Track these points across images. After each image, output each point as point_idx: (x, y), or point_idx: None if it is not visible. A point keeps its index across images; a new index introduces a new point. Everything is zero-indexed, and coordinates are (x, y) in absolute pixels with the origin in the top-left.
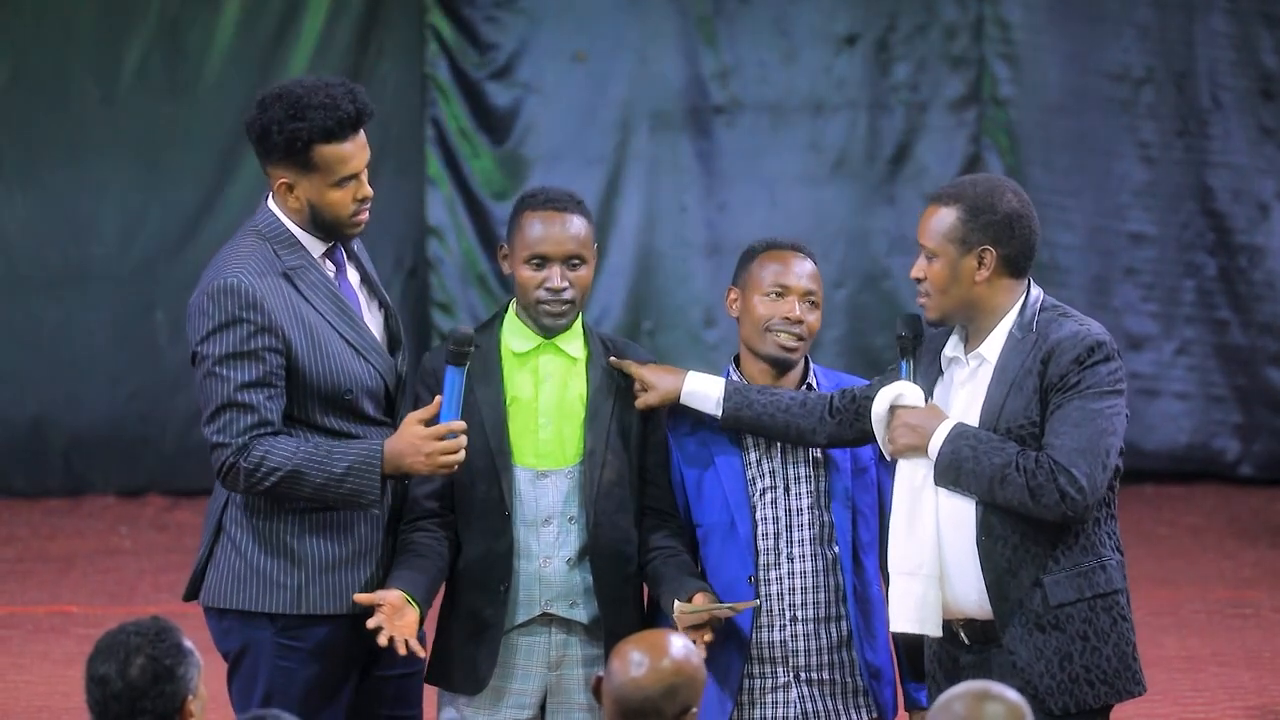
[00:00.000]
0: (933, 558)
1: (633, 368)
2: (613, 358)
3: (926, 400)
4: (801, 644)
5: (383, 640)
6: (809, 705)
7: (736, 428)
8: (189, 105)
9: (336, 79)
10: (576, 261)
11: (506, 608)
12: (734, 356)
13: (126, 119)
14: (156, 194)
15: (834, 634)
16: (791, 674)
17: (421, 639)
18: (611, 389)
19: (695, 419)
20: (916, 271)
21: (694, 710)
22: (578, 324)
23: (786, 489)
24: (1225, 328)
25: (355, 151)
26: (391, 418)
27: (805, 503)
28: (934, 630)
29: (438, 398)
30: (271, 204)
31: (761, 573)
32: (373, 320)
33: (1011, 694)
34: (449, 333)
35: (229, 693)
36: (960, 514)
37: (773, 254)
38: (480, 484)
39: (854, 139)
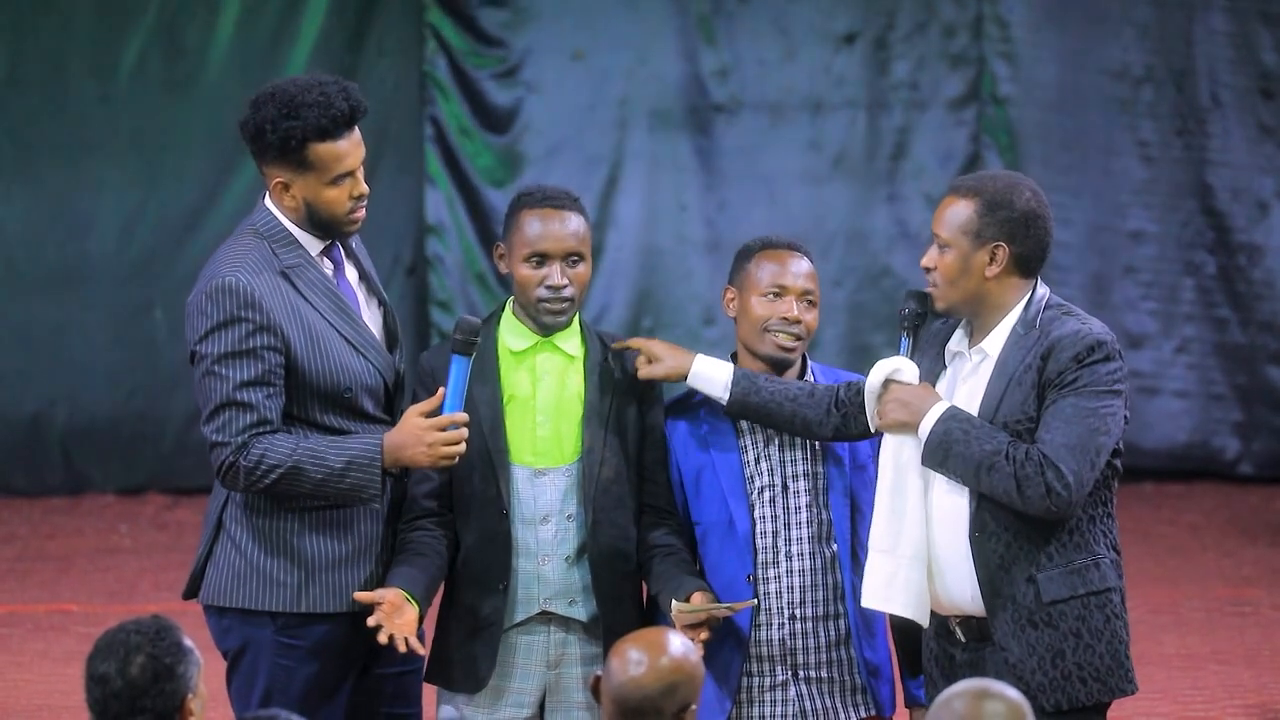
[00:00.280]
0: (914, 540)
1: (638, 340)
2: (614, 344)
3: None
4: (800, 642)
5: (382, 638)
6: (807, 703)
7: (742, 415)
8: (188, 103)
9: (330, 77)
10: (575, 259)
11: (505, 606)
12: (731, 355)
13: (125, 117)
14: (155, 192)
15: (832, 632)
16: (790, 672)
17: (420, 637)
18: (609, 387)
19: (694, 416)
20: (927, 260)
21: (693, 708)
22: (575, 322)
23: (785, 487)
24: (1225, 326)
25: (350, 149)
26: (390, 415)
27: (804, 500)
28: (901, 610)
29: (440, 389)
30: (268, 203)
31: (760, 571)
32: (371, 317)
33: (1012, 692)
34: (457, 321)
35: (228, 691)
36: (953, 510)
37: (769, 253)
38: (478, 482)
39: (853, 137)
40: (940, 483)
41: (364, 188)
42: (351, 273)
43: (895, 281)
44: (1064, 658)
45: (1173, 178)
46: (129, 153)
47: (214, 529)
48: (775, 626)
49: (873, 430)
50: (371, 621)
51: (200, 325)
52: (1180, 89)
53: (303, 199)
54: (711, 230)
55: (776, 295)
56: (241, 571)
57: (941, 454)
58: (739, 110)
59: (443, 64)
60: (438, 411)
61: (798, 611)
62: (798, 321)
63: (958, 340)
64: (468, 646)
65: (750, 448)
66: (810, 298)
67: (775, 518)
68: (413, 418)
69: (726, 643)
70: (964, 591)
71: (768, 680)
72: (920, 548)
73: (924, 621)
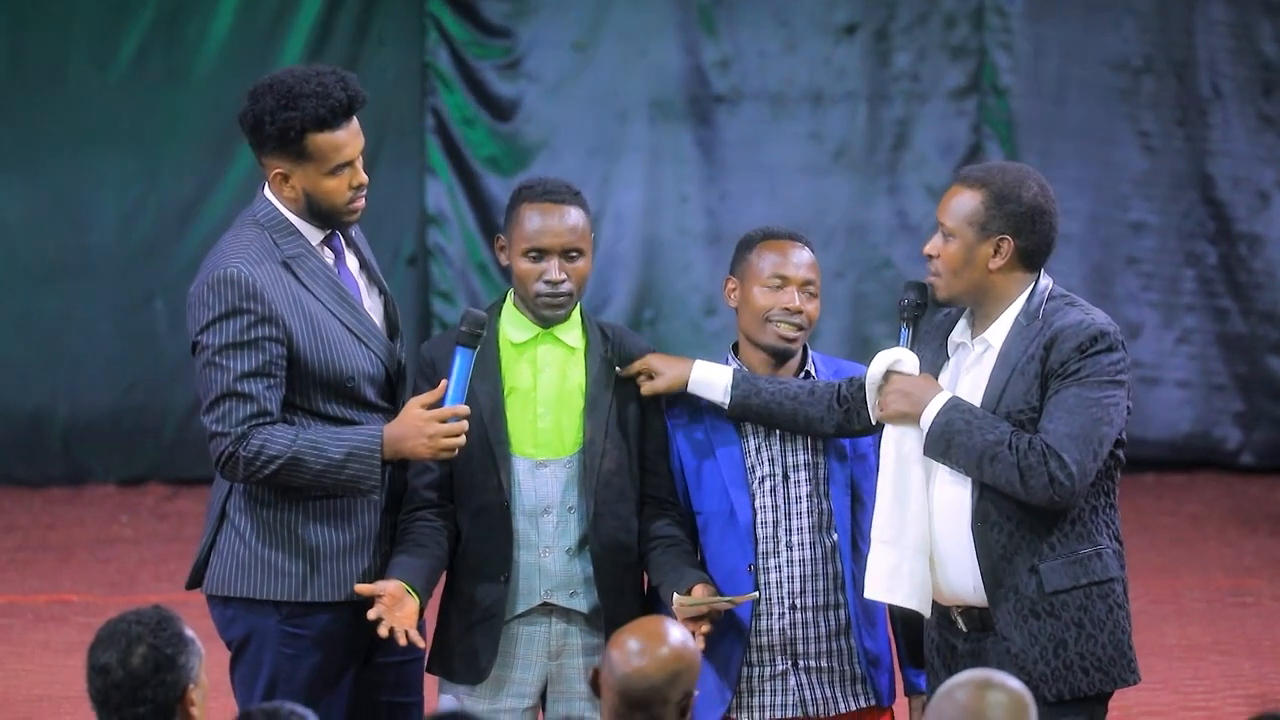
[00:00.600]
0: (917, 531)
1: (638, 363)
2: (619, 368)
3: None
4: (800, 631)
5: (383, 631)
6: (807, 692)
7: (744, 417)
8: (188, 94)
9: (328, 67)
10: (574, 253)
11: (506, 598)
12: (733, 345)
13: (125, 108)
14: (155, 183)
15: (833, 621)
16: (790, 661)
17: (421, 629)
18: (610, 378)
19: (694, 407)
20: (930, 248)
21: (694, 694)
22: (576, 313)
23: (785, 476)
24: (1226, 316)
25: (348, 139)
26: (392, 404)
27: (804, 490)
28: (905, 601)
29: (443, 381)
30: (268, 193)
31: (760, 560)
32: (372, 306)
33: (1014, 683)
34: (463, 313)
35: (231, 681)
36: (955, 500)
37: (770, 244)
38: (479, 474)
39: (854, 128)
40: (942, 473)
41: (363, 177)
42: (352, 262)
43: (896, 272)
44: (1066, 648)
45: (1173, 168)
46: (129, 143)
47: (218, 519)
48: (775, 616)
49: (874, 421)
50: (372, 614)
51: (202, 316)
52: (1181, 79)
53: (302, 189)
54: (712, 221)
55: (778, 285)
56: (246, 561)
57: (944, 445)
58: (740, 101)
59: (444, 54)
60: (439, 403)
61: (798, 601)
62: (799, 311)
63: (960, 331)
64: (469, 638)
65: (751, 437)
66: (811, 288)
67: (776, 507)
68: (414, 409)
69: (727, 633)
70: (966, 582)
71: (768, 670)
72: (923, 539)
73: (926, 612)
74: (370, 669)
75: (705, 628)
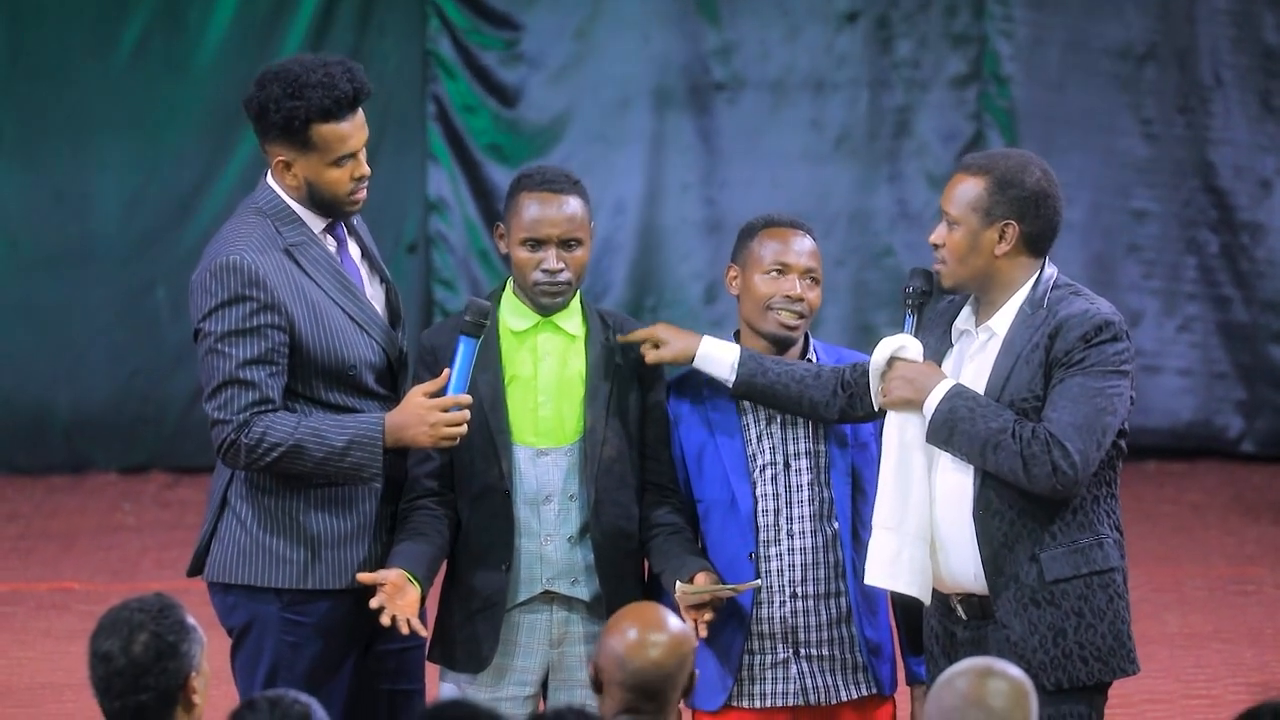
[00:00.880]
0: (919, 518)
1: (644, 331)
2: (620, 336)
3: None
4: (801, 620)
5: (384, 620)
6: (809, 681)
7: (748, 396)
8: (189, 82)
9: (335, 58)
10: (573, 243)
11: (508, 586)
12: (734, 333)
13: (126, 96)
14: (156, 172)
15: (834, 610)
16: (791, 650)
17: (421, 617)
18: (611, 366)
19: (696, 394)
20: (935, 237)
21: (696, 673)
22: (576, 301)
23: (786, 465)
24: (1227, 304)
25: (353, 130)
26: (394, 392)
27: (805, 479)
28: (906, 588)
29: (446, 370)
30: (270, 181)
31: (761, 549)
32: (374, 294)
33: (1015, 671)
34: (467, 303)
35: (232, 668)
36: (958, 488)
37: (772, 231)
38: (480, 462)
39: (855, 116)
40: (945, 460)
41: (366, 169)
42: (354, 250)
43: (897, 260)
44: (1065, 637)
45: (1175, 156)
46: (130, 132)
47: (219, 506)
48: (776, 604)
49: (877, 408)
50: (374, 603)
51: (204, 303)
52: (1183, 67)
53: (304, 178)
54: (713, 209)
55: (779, 273)
56: (247, 548)
57: (946, 432)
58: (741, 89)
59: (445, 42)
60: (442, 392)
61: (799, 589)
62: (800, 299)
63: (965, 318)
64: (470, 626)
65: (752, 425)
66: (813, 275)
67: (777, 496)
68: (416, 397)
69: (728, 620)
70: (967, 569)
71: (769, 658)
72: (924, 526)
73: (926, 599)
74: (371, 657)
75: (708, 615)
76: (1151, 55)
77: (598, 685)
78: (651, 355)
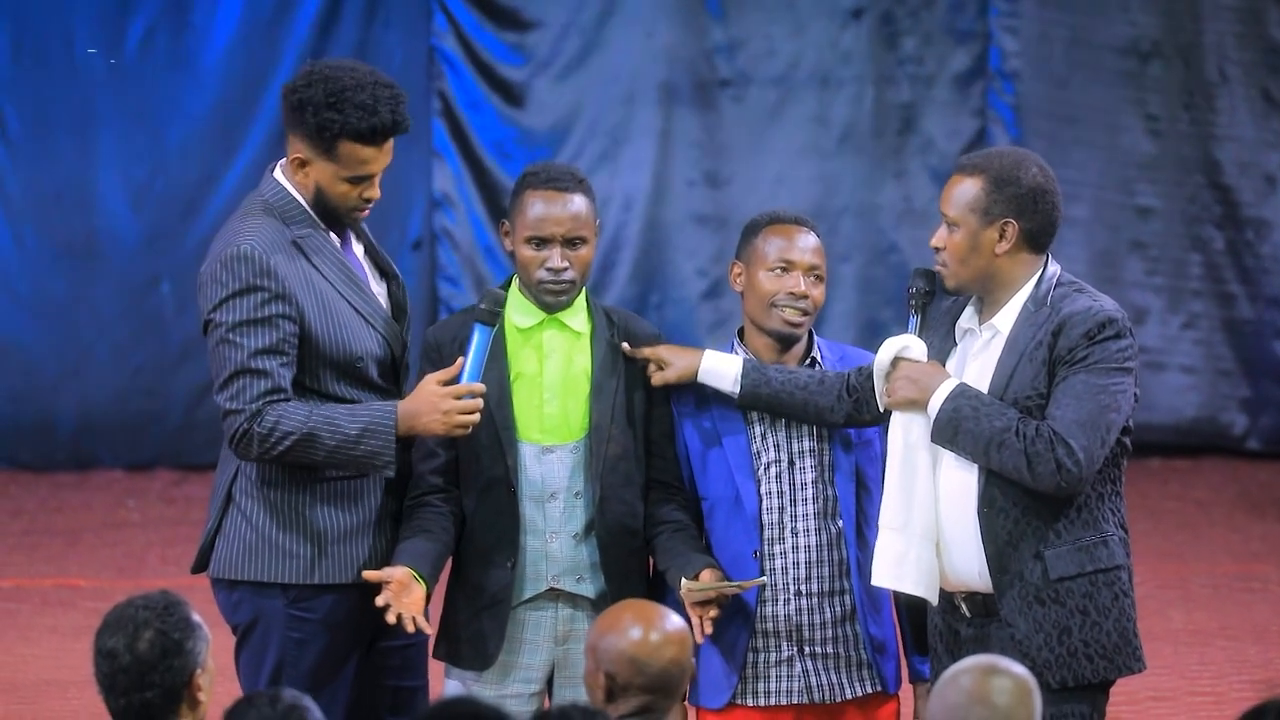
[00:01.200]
0: (924, 518)
1: (647, 350)
2: (625, 345)
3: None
4: (805, 618)
5: (390, 618)
6: (813, 679)
7: (754, 406)
8: (194, 77)
9: (387, 80)
10: (577, 241)
11: (513, 583)
12: (738, 330)
13: (132, 92)
14: (162, 167)
15: (838, 608)
16: (795, 647)
17: (427, 615)
18: (616, 363)
19: (700, 393)
20: (936, 240)
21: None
22: (581, 298)
23: (791, 463)
24: (1232, 301)
25: (378, 156)
26: (395, 387)
27: (809, 477)
28: (912, 588)
29: (460, 359)
30: (279, 174)
31: (766, 546)
32: (378, 292)
33: (1018, 668)
34: (483, 291)
35: (236, 665)
36: (962, 485)
37: (776, 228)
38: (485, 459)
39: (860, 113)
40: (949, 458)
41: (377, 193)
42: (357, 246)
43: (903, 257)
44: (1070, 635)
45: (1180, 153)
46: (136, 128)
47: (223, 502)
48: (781, 602)
49: (881, 409)
50: (380, 600)
51: (215, 294)
52: (1188, 64)
53: (316, 181)
54: (719, 206)
55: (783, 270)
56: (253, 544)
57: (951, 431)
58: (746, 86)
59: (450, 38)
60: (455, 380)
61: (803, 587)
62: (805, 296)
63: (968, 317)
64: (476, 623)
65: (756, 424)
66: (817, 272)
67: (781, 494)
68: (429, 385)
69: (733, 618)
70: (971, 567)
71: (773, 655)
72: (930, 526)
73: (934, 600)
74: (375, 653)
75: (713, 612)
76: (1156, 52)
77: (609, 692)
78: (657, 378)
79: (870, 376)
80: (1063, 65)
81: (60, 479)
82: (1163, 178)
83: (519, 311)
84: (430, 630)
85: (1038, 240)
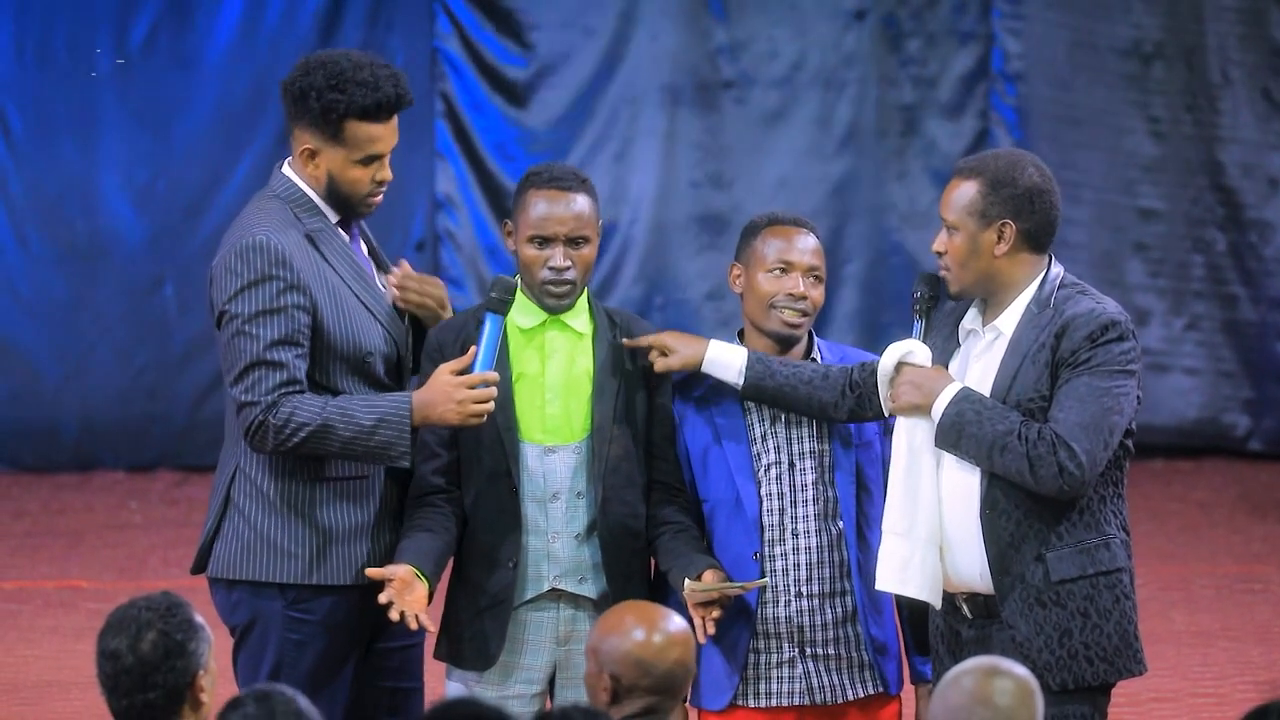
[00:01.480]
0: (928, 522)
1: (650, 338)
2: (625, 339)
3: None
4: (807, 619)
5: (393, 615)
6: (814, 680)
7: (757, 398)
8: (198, 78)
9: (383, 61)
10: (580, 241)
11: (515, 584)
12: (738, 332)
13: (135, 93)
14: (165, 169)
15: (839, 609)
16: (797, 649)
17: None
18: (618, 364)
19: (701, 394)
20: (937, 245)
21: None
22: (583, 299)
23: (791, 464)
24: (1235, 303)
25: (385, 134)
26: (399, 385)
27: (810, 478)
28: (917, 592)
29: (472, 348)
30: (288, 170)
31: (766, 548)
32: (383, 290)
33: (1020, 670)
34: (494, 279)
35: (234, 666)
36: (964, 487)
37: (775, 229)
38: (488, 460)
39: (863, 114)
40: (951, 460)
41: (389, 174)
42: (362, 246)
43: (905, 259)
44: (1071, 637)
45: (1183, 154)
46: (139, 128)
47: (222, 502)
48: (782, 604)
49: (887, 414)
50: (383, 598)
51: (230, 285)
52: (1190, 66)
53: (326, 170)
54: (722, 207)
55: (783, 271)
56: (252, 544)
57: (954, 435)
58: (750, 87)
59: (453, 39)
60: (468, 370)
61: (804, 589)
62: (804, 297)
63: (972, 318)
64: (477, 624)
65: (757, 425)
66: (816, 273)
67: (782, 495)
68: (443, 375)
69: (734, 620)
70: (973, 569)
71: (775, 657)
72: (934, 530)
73: (938, 604)
74: (373, 654)
75: (715, 613)
76: (1159, 53)
77: (614, 694)
78: (660, 364)
79: (874, 373)
80: (1065, 67)
81: (62, 480)
82: (1165, 180)
83: (521, 312)
84: (433, 629)
85: (1037, 240)
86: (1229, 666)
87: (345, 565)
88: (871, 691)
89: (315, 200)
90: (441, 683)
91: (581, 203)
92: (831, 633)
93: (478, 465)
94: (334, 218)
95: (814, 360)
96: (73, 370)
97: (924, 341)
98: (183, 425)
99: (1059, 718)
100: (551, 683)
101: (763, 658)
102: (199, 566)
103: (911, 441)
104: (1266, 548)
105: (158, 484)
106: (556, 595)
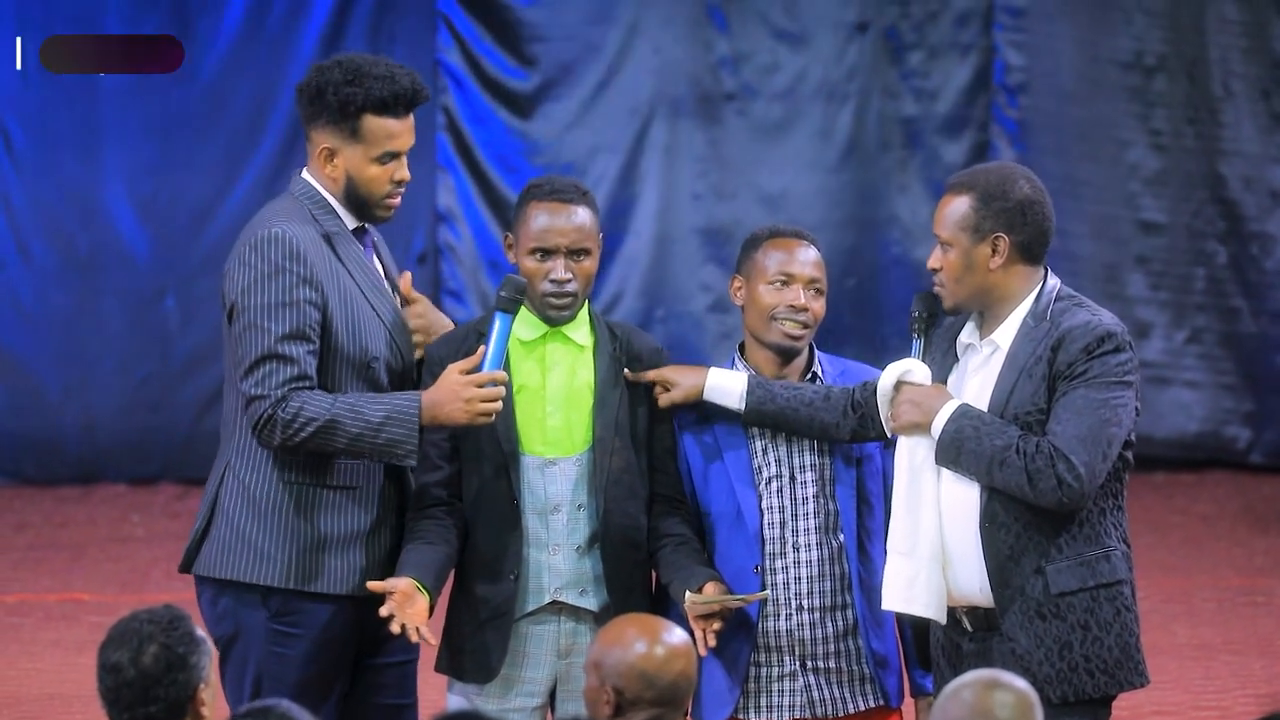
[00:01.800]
0: (931, 540)
1: (651, 373)
2: (628, 371)
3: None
4: (807, 632)
5: (394, 628)
6: (815, 693)
7: (759, 423)
8: (200, 91)
9: (398, 62)
10: (581, 253)
11: (516, 596)
12: (739, 344)
13: (138, 104)
14: (167, 181)
15: (840, 622)
16: (798, 662)
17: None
18: (619, 377)
19: (702, 408)
20: (933, 262)
21: None
22: (584, 311)
23: (792, 478)
24: (1236, 316)
25: (402, 130)
26: None
27: (810, 491)
28: (923, 611)
29: (481, 348)
30: (307, 174)
31: (767, 561)
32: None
33: (1020, 683)
34: (504, 279)
35: (220, 681)
36: (964, 500)
37: (776, 242)
38: (489, 472)
39: (865, 127)
40: (950, 474)
41: (406, 174)
42: (375, 259)
43: (906, 271)
44: (1071, 650)
45: (1184, 167)
46: (142, 140)
47: (210, 506)
48: (783, 617)
49: (888, 433)
50: (384, 611)
51: (243, 277)
52: (1192, 78)
53: (345, 170)
54: (723, 219)
55: (783, 283)
56: (231, 544)
57: (954, 452)
58: (751, 99)
59: (455, 52)
60: (477, 369)
61: (805, 602)
62: (805, 310)
63: (969, 332)
64: (479, 636)
65: (758, 438)
66: (817, 285)
67: (783, 509)
68: (452, 374)
69: (735, 633)
70: (973, 582)
71: (775, 670)
72: (937, 548)
73: (943, 620)
74: (369, 671)
75: (716, 625)
76: (1161, 66)
77: (618, 707)
78: (664, 399)
79: (875, 392)
80: (1067, 80)
81: (64, 493)
82: (1167, 193)
83: (522, 324)
84: (434, 642)
85: (1031, 252)
86: (1231, 679)
87: (330, 574)
88: (872, 704)
89: (333, 204)
90: (443, 696)
91: (582, 215)
92: (832, 646)
93: (479, 477)
94: (351, 223)
95: (815, 373)
96: (75, 383)
97: (923, 360)
98: (185, 438)
99: None
100: (552, 696)
101: (763, 671)
102: (185, 566)
103: (913, 460)
104: (1269, 560)
105: (160, 497)
106: (558, 608)
